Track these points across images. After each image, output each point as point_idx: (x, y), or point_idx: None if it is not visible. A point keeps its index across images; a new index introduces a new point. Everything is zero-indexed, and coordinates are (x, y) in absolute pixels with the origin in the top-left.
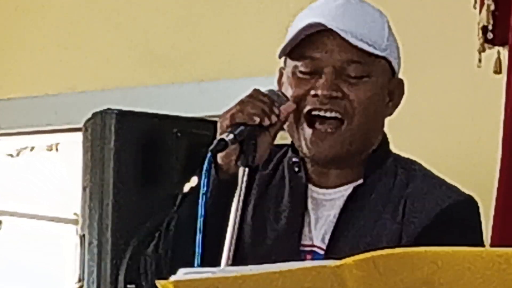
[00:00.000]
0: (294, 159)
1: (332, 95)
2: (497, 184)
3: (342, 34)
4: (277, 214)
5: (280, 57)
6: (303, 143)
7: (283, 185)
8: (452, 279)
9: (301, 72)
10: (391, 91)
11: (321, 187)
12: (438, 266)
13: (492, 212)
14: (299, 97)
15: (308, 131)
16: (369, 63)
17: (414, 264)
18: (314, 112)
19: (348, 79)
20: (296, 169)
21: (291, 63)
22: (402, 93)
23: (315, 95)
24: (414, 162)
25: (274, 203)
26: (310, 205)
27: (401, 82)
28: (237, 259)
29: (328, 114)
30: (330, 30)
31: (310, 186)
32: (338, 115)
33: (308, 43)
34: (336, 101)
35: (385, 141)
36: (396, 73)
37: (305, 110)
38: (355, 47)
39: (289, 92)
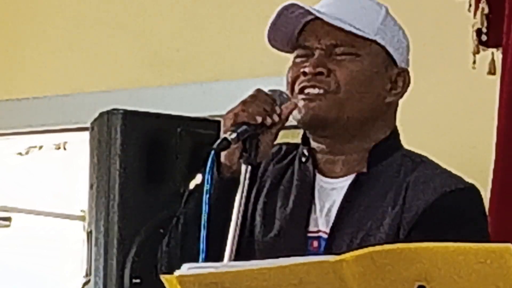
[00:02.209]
0: (303, 150)
1: (317, 72)
2: (491, 182)
3: (319, 15)
4: (285, 202)
5: (272, 46)
6: (296, 111)
7: (293, 176)
8: (447, 274)
9: (297, 56)
10: (394, 80)
11: (327, 176)
12: (434, 262)
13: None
14: (293, 77)
15: (300, 100)
16: (356, 44)
17: (411, 259)
18: (305, 90)
19: (335, 57)
20: (304, 159)
21: (294, 53)
22: (407, 83)
23: (304, 73)
24: (422, 156)
25: (284, 192)
26: (317, 194)
27: (404, 71)
28: (248, 248)
29: (316, 91)
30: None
31: (318, 175)
32: (323, 91)
33: (305, 32)
34: (322, 78)
35: (394, 134)
36: (397, 62)
37: (298, 87)
38: (341, 30)
39: (288, 76)
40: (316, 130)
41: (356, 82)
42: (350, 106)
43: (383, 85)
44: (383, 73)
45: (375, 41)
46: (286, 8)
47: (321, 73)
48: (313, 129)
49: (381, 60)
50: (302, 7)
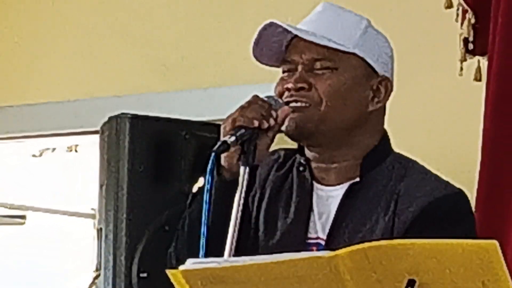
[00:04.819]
0: (300, 160)
1: (298, 87)
2: (478, 182)
3: (296, 32)
4: (286, 210)
5: (259, 61)
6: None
7: (292, 184)
8: (436, 268)
9: (283, 71)
10: (376, 88)
11: (323, 184)
12: (423, 257)
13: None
14: (279, 93)
15: None
16: (335, 58)
17: (401, 255)
18: (289, 105)
19: (316, 72)
20: (301, 168)
21: (281, 68)
22: (388, 90)
23: (287, 89)
24: (412, 160)
25: (285, 200)
26: (315, 202)
27: (386, 79)
28: (252, 252)
29: (299, 105)
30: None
31: (315, 184)
32: (307, 104)
33: (289, 48)
34: (303, 93)
35: (384, 140)
36: (378, 71)
37: (284, 102)
38: (321, 45)
39: (276, 91)
40: (300, 139)
41: (336, 94)
42: (332, 117)
43: (365, 95)
44: (364, 83)
45: (354, 54)
46: (267, 27)
47: (302, 88)
48: (298, 138)
49: (361, 71)
50: (280, 26)
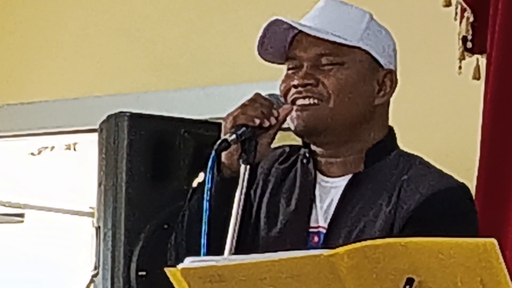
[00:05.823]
0: (304, 152)
1: (306, 83)
2: (476, 179)
3: (301, 28)
4: (288, 200)
5: (264, 58)
6: (290, 121)
7: (296, 177)
8: (435, 266)
9: (288, 69)
10: (382, 82)
11: (327, 176)
12: (422, 255)
13: None
14: (285, 90)
15: (293, 111)
16: (341, 53)
17: (401, 253)
18: (297, 101)
19: (322, 68)
20: (305, 160)
21: (286, 64)
22: (393, 83)
23: (294, 86)
24: (417, 156)
25: (287, 191)
26: (317, 192)
27: (391, 72)
28: (253, 244)
29: (306, 101)
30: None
31: (318, 175)
32: (315, 100)
33: (293, 45)
34: (311, 88)
35: (390, 136)
36: (383, 64)
37: (290, 99)
38: (325, 40)
39: (281, 88)
40: (309, 137)
41: (344, 89)
42: (340, 113)
43: (371, 89)
44: (370, 76)
45: (359, 47)
46: (271, 24)
47: (309, 84)
48: (306, 137)
49: (366, 65)
50: (286, 22)
